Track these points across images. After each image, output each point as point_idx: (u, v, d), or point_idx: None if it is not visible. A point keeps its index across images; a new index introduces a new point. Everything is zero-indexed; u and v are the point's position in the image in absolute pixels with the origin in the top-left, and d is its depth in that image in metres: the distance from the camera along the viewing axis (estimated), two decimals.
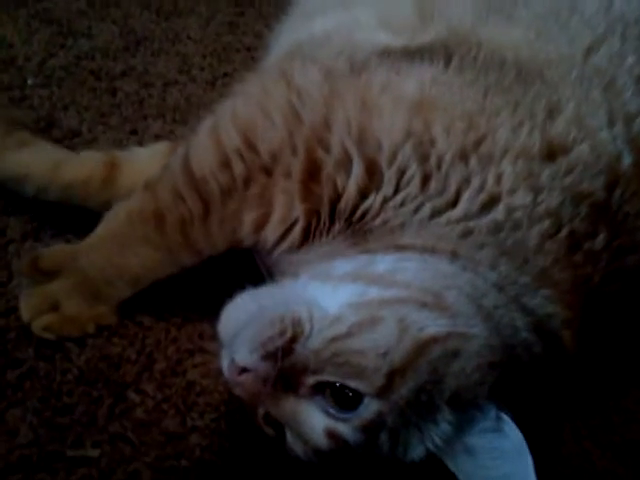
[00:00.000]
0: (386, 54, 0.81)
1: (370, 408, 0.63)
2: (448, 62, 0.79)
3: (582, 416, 0.83)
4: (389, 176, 0.73)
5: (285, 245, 0.78)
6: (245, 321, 0.68)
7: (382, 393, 0.62)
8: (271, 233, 0.77)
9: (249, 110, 0.80)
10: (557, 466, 0.76)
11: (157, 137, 1.15)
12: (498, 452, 0.63)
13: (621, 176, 0.75)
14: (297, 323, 0.65)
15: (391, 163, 0.73)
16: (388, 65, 0.79)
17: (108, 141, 1.12)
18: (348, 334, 0.64)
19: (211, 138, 0.81)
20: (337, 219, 0.75)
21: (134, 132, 1.16)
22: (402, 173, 0.73)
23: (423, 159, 0.72)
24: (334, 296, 0.67)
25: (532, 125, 0.73)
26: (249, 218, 0.78)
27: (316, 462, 0.66)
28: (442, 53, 0.80)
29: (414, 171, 0.72)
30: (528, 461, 0.61)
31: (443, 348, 0.63)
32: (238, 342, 0.66)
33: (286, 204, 0.76)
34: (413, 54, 0.81)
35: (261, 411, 0.68)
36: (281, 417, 0.66)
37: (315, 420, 0.65)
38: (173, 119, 1.20)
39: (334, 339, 0.64)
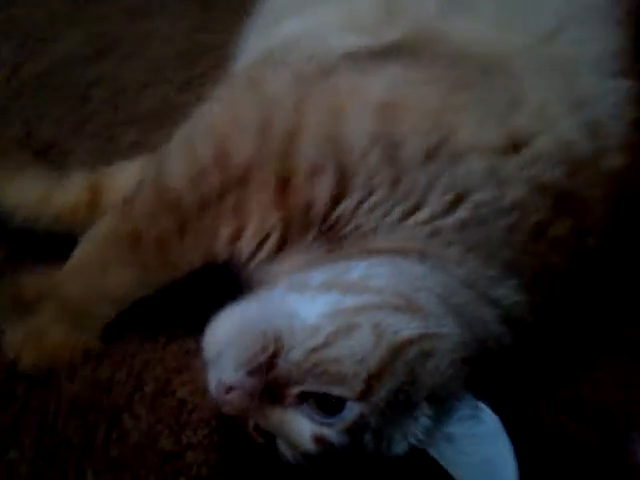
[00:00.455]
0: (353, 56, 0.82)
1: (352, 411, 0.65)
2: (413, 60, 0.79)
3: (556, 391, 0.86)
4: (360, 182, 0.74)
5: (261, 256, 0.79)
6: (228, 339, 0.70)
7: (363, 397, 0.65)
8: (247, 245, 0.79)
9: (221, 122, 0.81)
10: (536, 442, 0.79)
11: (134, 143, 1.14)
12: (477, 438, 0.67)
13: (581, 163, 0.77)
14: (278, 338, 0.67)
15: (361, 168, 0.74)
16: (355, 67, 0.80)
17: (85, 151, 1.11)
18: (326, 344, 0.66)
19: (185, 151, 0.81)
20: (311, 227, 0.76)
21: (111, 139, 1.15)
22: (372, 178, 0.74)
23: (391, 162, 0.73)
24: (312, 307, 0.69)
25: (496, 119, 0.75)
26: (225, 232, 0.79)
27: (307, 465, 0.69)
28: (407, 51, 0.81)
29: (383, 175, 0.73)
30: (506, 444, 0.65)
31: (417, 349, 0.66)
32: (223, 361, 0.68)
33: (261, 215, 0.77)
34: (379, 54, 0.81)
35: (251, 423, 0.71)
36: (270, 428, 0.69)
37: (302, 427, 0.67)
38: (149, 124, 1.19)
39: (313, 350, 0.66)
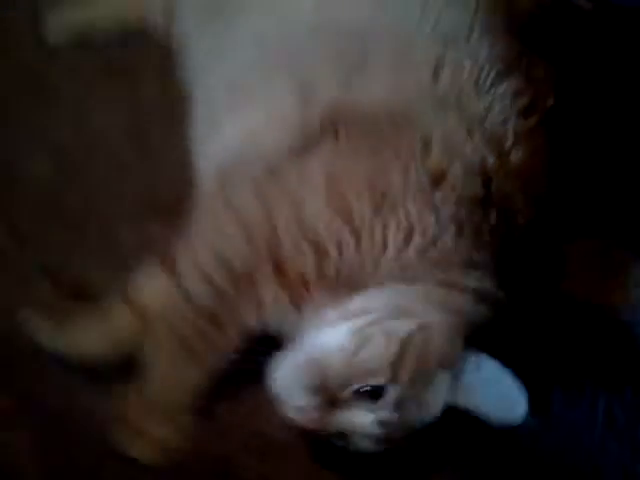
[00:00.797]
0: (291, 149, 0.96)
1: (392, 393, 0.90)
2: (336, 136, 0.95)
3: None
4: (331, 249, 0.92)
5: (281, 318, 0.99)
6: (291, 380, 0.93)
7: (393, 380, 0.90)
8: (269, 316, 0.99)
9: (217, 244, 0.97)
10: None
11: (135, 246, 1.16)
12: (485, 382, 0.91)
13: (490, 172, 0.95)
14: (322, 367, 0.92)
15: (329, 237, 0.92)
16: (296, 159, 0.95)
17: (97, 270, 1.15)
18: (355, 355, 0.91)
19: (195, 272, 0.96)
20: (311, 286, 0.96)
21: (111, 248, 1.19)
22: (339, 241, 0.92)
23: (350, 225, 0.91)
24: (337, 334, 0.93)
25: (415, 165, 0.92)
26: (249, 314, 0.97)
27: (381, 449, 0.93)
28: (328, 129, 0.96)
29: (348, 238, 0.92)
30: (509, 380, 0.89)
31: (418, 339, 0.91)
32: (293, 395, 0.92)
33: (271, 293, 0.97)
34: (309, 139, 0.96)
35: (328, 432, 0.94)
36: (341, 428, 0.93)
37: (363, 418, 0.91)
38: (138, 222, 1.21)
39: (347, 363, 0.91)
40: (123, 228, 1.20)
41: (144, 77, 1.37)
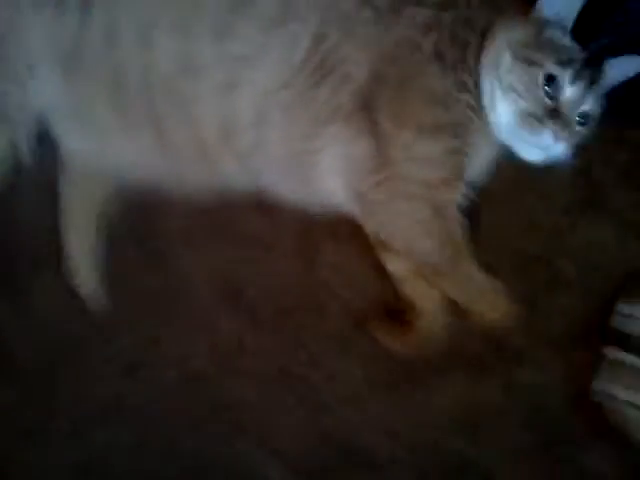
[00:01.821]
0: (375, 148, 1.12)
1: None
2: (378, 103, 1.12)
3: None
4: (458, 144, 1.12)
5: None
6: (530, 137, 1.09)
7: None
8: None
9: (407, 223, 1.15)
10: None
11: None
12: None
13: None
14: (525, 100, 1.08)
15: (450, 145, 1.11)
16: (384, 146, 1.12)
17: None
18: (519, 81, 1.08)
19: (415, 242, 1.15)
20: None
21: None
22: (453, 140, 1.12)
23: (449, 127, 1.12)
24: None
25: (423, 61, 1.11)
26: (458, 223, 1.14)
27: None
28: (368, 112, 1.12)
29: (454, 133, 1.12)
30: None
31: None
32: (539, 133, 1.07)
33: (453, 195, 1.14)
34: (373, 129, 1.12)
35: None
36: (570, 102, 1.07)
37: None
38: None
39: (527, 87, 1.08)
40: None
41: None
